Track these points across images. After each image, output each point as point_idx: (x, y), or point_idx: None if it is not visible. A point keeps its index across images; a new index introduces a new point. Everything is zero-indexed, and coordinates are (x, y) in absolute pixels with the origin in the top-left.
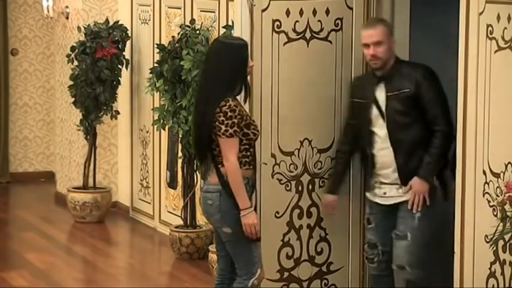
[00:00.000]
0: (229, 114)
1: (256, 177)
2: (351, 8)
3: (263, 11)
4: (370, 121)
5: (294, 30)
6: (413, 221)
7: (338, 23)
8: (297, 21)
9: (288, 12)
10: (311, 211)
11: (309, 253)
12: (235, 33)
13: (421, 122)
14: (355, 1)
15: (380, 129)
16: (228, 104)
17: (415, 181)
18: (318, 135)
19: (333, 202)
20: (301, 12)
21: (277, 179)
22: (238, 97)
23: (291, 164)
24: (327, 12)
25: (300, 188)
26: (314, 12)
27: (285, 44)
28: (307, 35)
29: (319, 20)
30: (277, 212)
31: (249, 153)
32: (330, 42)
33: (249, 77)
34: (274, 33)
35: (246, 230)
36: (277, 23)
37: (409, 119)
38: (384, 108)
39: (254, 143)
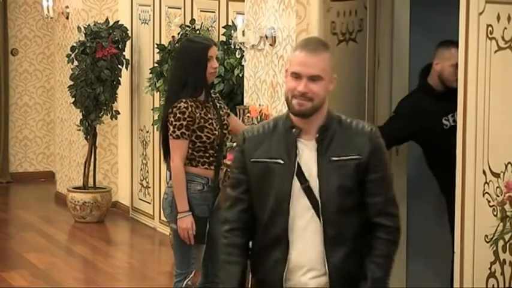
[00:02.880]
0: (178, 115)
1: (219, 177)
2: (366, 8)
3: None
4: (288, 198)
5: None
6: None
7: (360, 24)
8: (333, 21)
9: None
10: None
11: None
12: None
13: (362, 207)
14: (369, 1)
15: (304, 211)
16: (178, 106)
17: None
18: None
19: None
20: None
21: None
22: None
23: None
24: (354, 12)
25: None
26: (348, 13)
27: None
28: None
29: (352, 22)
30: None
31: (208, 154)
32: (356, 42)
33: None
34: (331, 35)
35: (180, 233)
36: (333, 24)
37: (353, 200)
38: (316, 180)
39: (214, 144)
